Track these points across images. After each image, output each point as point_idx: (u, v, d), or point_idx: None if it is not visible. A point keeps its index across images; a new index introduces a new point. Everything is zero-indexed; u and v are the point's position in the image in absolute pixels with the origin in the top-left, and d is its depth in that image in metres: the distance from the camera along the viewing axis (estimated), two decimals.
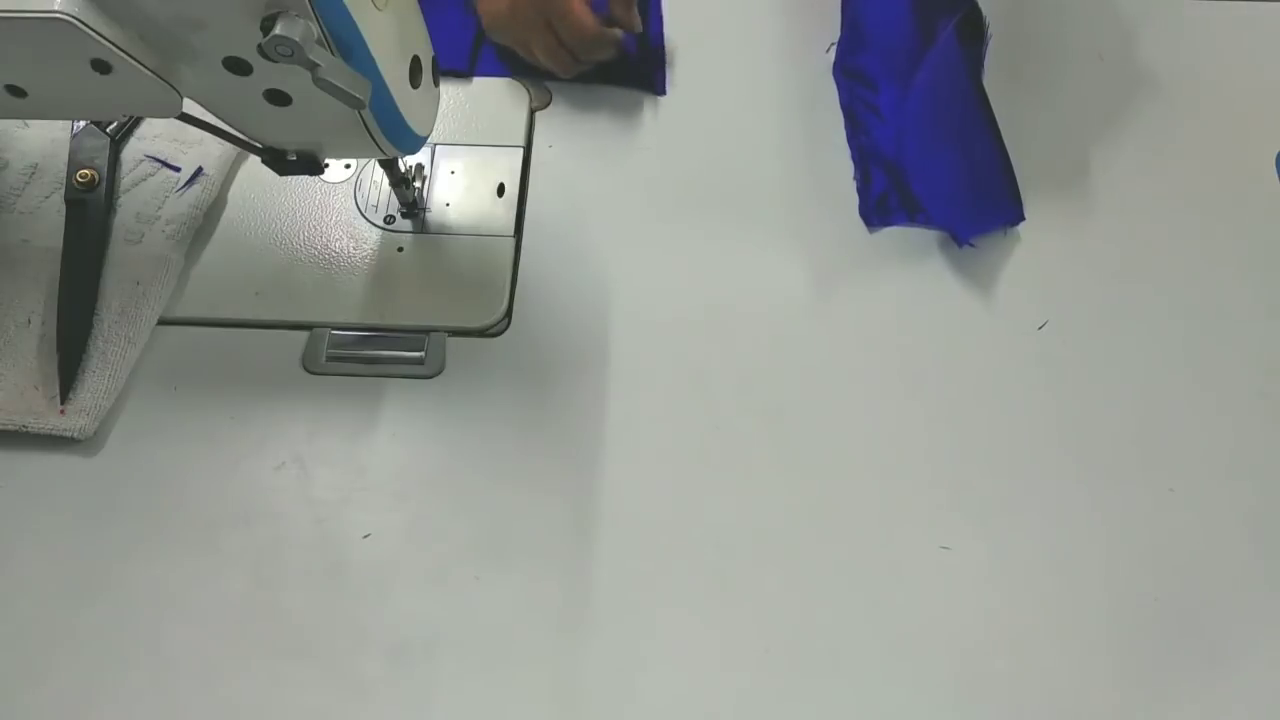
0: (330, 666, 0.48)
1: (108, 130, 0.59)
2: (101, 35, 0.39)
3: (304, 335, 0.56)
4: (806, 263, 0.58)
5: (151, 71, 0.41)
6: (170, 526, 0.51)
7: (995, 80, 0.63)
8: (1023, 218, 0.58)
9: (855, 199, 0.60)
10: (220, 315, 0.56)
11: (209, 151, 0.59)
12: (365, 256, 0.58)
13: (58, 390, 0.53)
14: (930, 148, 0.57)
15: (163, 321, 0.56)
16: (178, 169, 0.59)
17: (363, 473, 0.53)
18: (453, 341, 0.56)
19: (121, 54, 0.40)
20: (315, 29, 0.39)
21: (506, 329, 0.56)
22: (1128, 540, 0.51)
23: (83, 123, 0.59)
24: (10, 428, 0.52)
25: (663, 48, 0.64)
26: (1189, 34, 0.66)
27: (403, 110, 0.46)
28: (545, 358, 0.55)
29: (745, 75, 0.64)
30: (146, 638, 0.49)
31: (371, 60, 0.42)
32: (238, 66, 0.42)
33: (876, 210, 0.59)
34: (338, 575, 0.50)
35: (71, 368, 0.53)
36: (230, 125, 0.48)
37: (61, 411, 0.53)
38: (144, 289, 0.56)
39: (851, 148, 0.60)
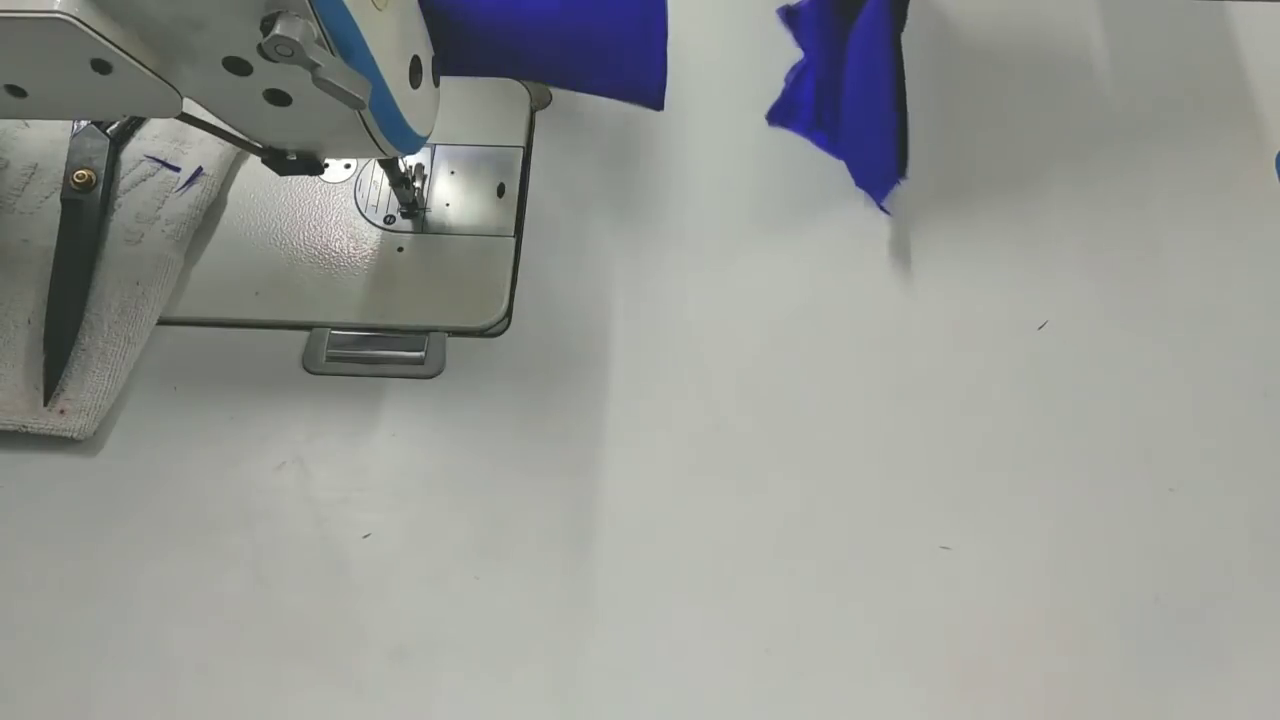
0: (330, 666, 0.48)
1: (108, 131, 0.59)
2: (101, 35, 0.39)
3: (304, 335, 0.56)
4: (806, 263, 0.58)
5: (151, 71, 0.41)
6: (170, 526, 0.51)
7: (994, 79, 0.64)
8: (904, 176, 0.58)
9: (856, 198, 0.60)
10: (220, 315, 0.56)
11: (209, 151, 0.59)
12: (365, 256, 0.58)
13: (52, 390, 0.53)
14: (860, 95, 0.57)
15: (163, 321, 0.56)
16: (178, 169, 0.59)
17: (363, 473, 0.53)
18: (453, 341, 0.56)
19: (121, 54, 0.40)
20: (315, 29, 0.39)
21: (506, 329, 0.56)
22: (1128, 540, 0.51)
23: (83, 123, 0.59)
24: (10, 428, 0.52)
25: (665, 63, 0.63)
26: (1189, 34, 0.66)
27: (403, 110, 0.46)
28: (545, 358, 0.55)
29: (746, 75, 0.64)
30: (146, 638, 0.49)
31: (371, 60, 0.42)
32: (238, 66, 0.42)
33: (782, 110, 0.59)
34: (338, 575, 0.50)
35: (57, 367, 0.53)
36: (230, 125, 0.48)
37: (61, 411, 0.53)
38: (144, 289, 0.56)
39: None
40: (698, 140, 0.62)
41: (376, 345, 0.55)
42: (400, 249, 0.58)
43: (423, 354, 0.55)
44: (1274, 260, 0.58)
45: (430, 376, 0.55)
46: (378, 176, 0.59)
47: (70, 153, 0.58)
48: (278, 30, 0.38)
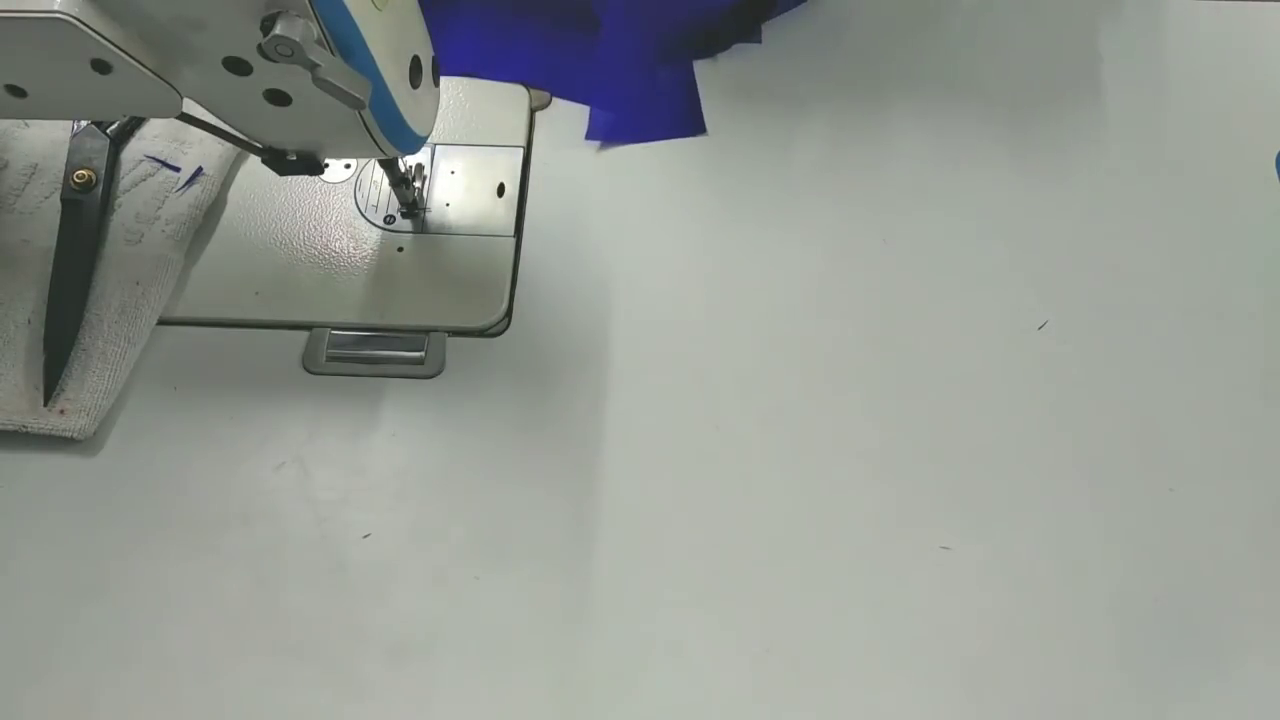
0: (330, 666, 0.48)
1: (108, 131, 0.59)
2: (101, 35, 0.39)
3: (304, 335, 0.56)
4: (807, 262, 0.58)
5: (151, 71, 0.41)
6: (170, 526, 0.51)
7: (994, 81, 0.64)
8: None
9: (855, 199, 0.60)
10: (220, 315, 0.56)
11: (209, 151, 0.59)
12: (365, 256, 0.58)
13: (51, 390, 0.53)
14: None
15: (163, 321, 0.56)
16: (178, 169, 0.59)
17: (363, 473, 0.53)
18: (453, 341, 0.56)
19: (121, 54, 0.40)
20: (315, 29, 0.39)
21: (506, 329, 0.56)
22: (1128, 540, 0.51)
23: (83, 123, 0.59)
24: (10, 428, 0.52)
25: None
26: (1189, 34, 0.66)
27: (403, 110, 0.46)
28: (545, 358, 0.55)
29: (746, 77, 0.64)
30: (146, 638, 0.49)
31: (371, 60, 0.42)
32: (238, 66, 0.42)
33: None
34: (338, 575, 0.50)
35: (57, 367, 0.53)
36: (230, 125, 0.48)
37: (61, 411, 0.53)
38: (144, 289, 0.56)
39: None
40: (699, 140, 0.62)
41: (376, 345, 0.55)
42: (400, 249, 0.58)
43: (423, 354, 0.55)
44: (1274, 260, 0.58)
45: (430, 376, 0.55)
46: (378, 176, 0.59)
47: (70, 153, 0.58)
48: (278, 30, 0.38)
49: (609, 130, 0.62)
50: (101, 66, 0.41)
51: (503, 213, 0.59)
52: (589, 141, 0.62)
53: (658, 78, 0.63)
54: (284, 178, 0.52)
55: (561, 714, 0.48)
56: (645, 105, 0.62)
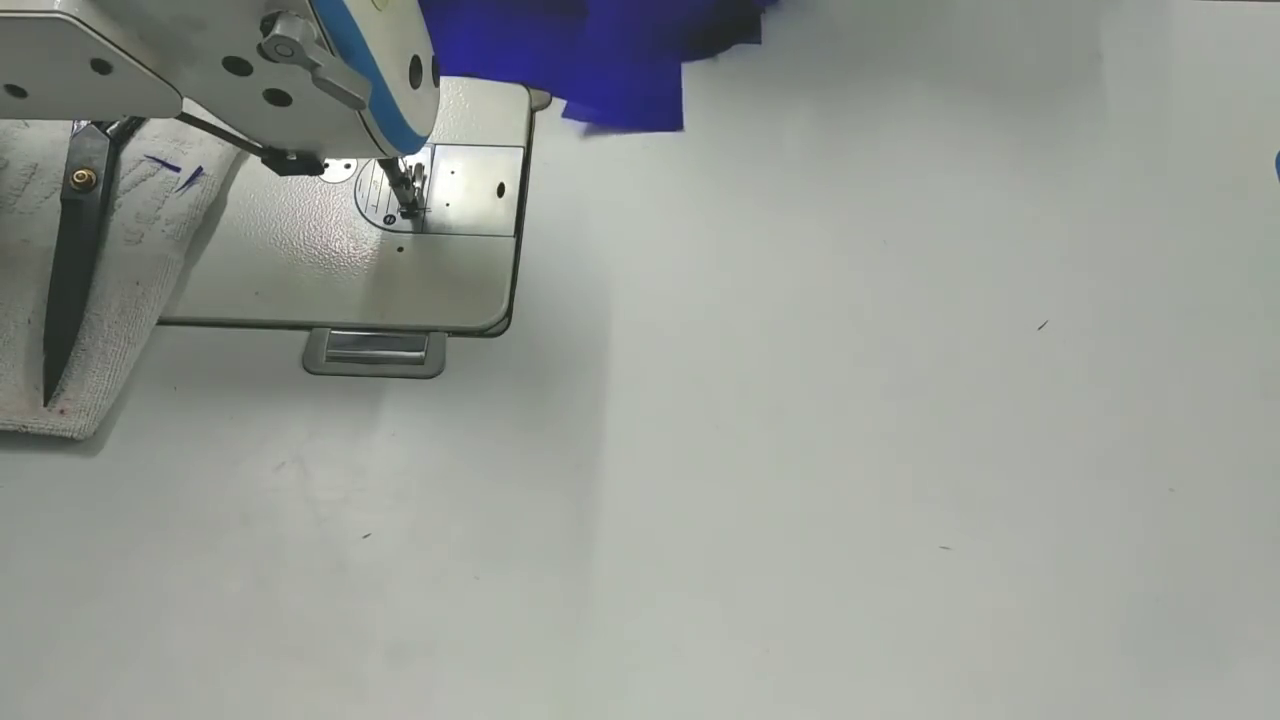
0: (330, 666, 0.48)
1: (108, 131, 0.59)
2: (101, 35, 0.39)
3: (304, 335, 0.56)
4: (807, 263, 0.58)
5: (151, 71, 0.41)
6: (170, 526, 0.51)
7: (994, 81, 0.64)
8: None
9: (855, 199, 0.60)
10: (220, 315, 0.56)
11: (209, 151, 0.59)
12: (365, 256, 0.58)
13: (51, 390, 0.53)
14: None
15: (163, 321, 0.56)
16: (178, 169, 0.59)
17: (363, 473, 0.53)
18: (453, 341, 0.56)
19: (121, 54, 0.40)
20: (315, 29, 0.39)
21: (506, 329, 0.56)
22: (1128, 540, 0.51)
23: (83, 123, 0.59)
24: (10, 428, 0.52)
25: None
26: (1189, 34, 0.66)
27: (403, 110, 0.46)
28: (545, 358, 0.55)
29: (746, 76, 0.64)
30: (146, 638, 0.49)
31: (371, 60, 0.42)
32: (238, 66, 0.42)
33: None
34: (338, 575, 0.50)
35: (57, 367, 0.53)
36: (230, 125, 0.48)
37: (61, 411, 0.53)
38: (144, 289, 0.56)
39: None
40: (699, 141, 0.62)
41: (376, 345, 0.55)
42: (400, 249, 0.58)
43: (423, 354, 0.55)
44: (1274, 260, 0.58)
45: (430, 376, 0.55)
46: (378, 176, 0.59)
47: (70, 153, 0.58)
48: (278, 30, 0.38)
49: (587, 112, 0.62)
50: (101, 66, 0.41)
51: (503, 213, 0.59)
52: (566, 121, 0.62)
53: (642, 70, 0.63)
54: (284, 178, 0.52)
55: (561, 713, 0.48)
56: (625, 95, 0.62)
